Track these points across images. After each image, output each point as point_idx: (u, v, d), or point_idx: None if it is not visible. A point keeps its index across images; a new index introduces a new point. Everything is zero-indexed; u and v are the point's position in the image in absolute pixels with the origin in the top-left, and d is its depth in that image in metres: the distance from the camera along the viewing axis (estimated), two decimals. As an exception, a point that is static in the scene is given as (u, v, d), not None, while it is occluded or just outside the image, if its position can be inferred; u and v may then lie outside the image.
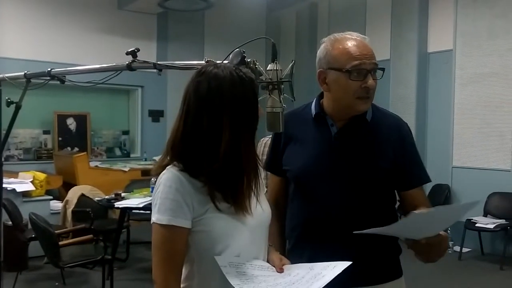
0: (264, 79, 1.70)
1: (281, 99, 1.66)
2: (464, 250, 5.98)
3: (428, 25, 6.93)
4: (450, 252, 6.15)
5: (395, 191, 1.75)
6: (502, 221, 5.69)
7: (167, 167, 1.38)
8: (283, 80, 1.68)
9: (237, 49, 1.74)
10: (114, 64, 2.22)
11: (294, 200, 1.77)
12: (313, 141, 1.72)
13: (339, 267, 1.38)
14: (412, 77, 6.97)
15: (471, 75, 6.36)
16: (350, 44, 1.65)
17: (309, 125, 1.75)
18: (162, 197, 1.34)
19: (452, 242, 6.19)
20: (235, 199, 1.38)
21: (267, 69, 1.70)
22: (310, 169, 1.69)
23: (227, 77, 1.40)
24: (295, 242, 1.76)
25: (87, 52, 7.32)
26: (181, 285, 1.40)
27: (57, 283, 4.70)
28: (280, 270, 1.43)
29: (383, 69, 1.68)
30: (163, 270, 1.35)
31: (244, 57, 1.71)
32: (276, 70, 1.67)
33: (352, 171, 1.64)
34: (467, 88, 6.41)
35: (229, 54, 1.79)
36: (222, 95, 1.37)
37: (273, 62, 1.70)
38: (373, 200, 1.64)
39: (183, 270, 1.40)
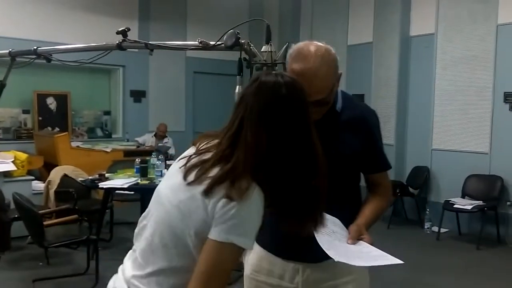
0: (258, 61, 1.72)
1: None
2: (442, 230, 6.13)
3: (411, 8, 6.99)
4: (428, 232, 6.30)
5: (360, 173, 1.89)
6: (479, 203, 5.83)
7: (253, 187, 1.26)
8: (277, 62, 1.71)
9: (231, 30, 1.75)
10: (104, 43, 2.20)
11: None
12: None
13: (391, 260, 1.51)
14: (394, 60, 7.04)
15: (452, 59, 6.45)
16: (294, 66, 1.62)
17: None
18: (250, 221, 1.26)
19: (430, 223, 6.35)
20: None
21: (262, 50, 1.73)
22: None
23: (297, 84, 1.34)
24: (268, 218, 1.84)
25: (68, 31, 7.21)
26: None
27: (41, 263, 4.69)
28: (351, 242, 1.56)
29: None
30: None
31: (239, 38, 1.72)
32: (271, 51, 1.69)
33: None
34: (448, 71, 6.51)
35: (223, 35, 1.81)
36: (303, 104, 1.32)
37: (268, 43, 1.72)
38: (338, 181, 1.69)
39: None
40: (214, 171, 1.28)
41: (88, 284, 4.11)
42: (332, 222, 1.64)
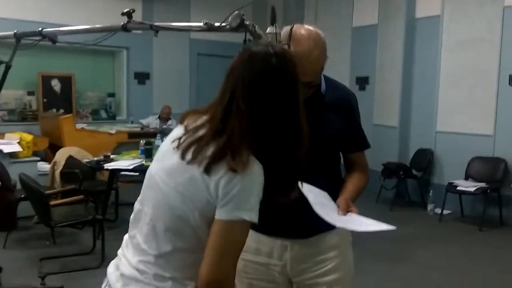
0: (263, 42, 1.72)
1: (280, 61, 1.69)
2: (445, 212, 6.16)
3: (417, -10, 6.93)
4: (431, 214, 6.34)
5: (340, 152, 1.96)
6: (482, 185, 5.84)
7: (253, 159, 1.26)
8: (282, 43, 1.71)
9: (236, 12, 1.75)
10: (109, 24, 2.21)
11: None
12: None
13: (385, 226, 1.59)
14: (399, 43, 7.00)
15: (458, 41, 6.40)
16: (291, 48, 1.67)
17: None
18: (255, 194, 1.25)
19: (433, 205, 6.38)
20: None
21: (267, 32, 1.72)
22: None
23: (287, 54, 1.35)
24: None
25: (71, 12, 7.20)
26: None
27: (47, 242, 4.76)
28: (342, 213, 1.66)
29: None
30: (232, 266, 1.27)
31: (244, 20, 1.72)
32: (276, 33, 1.69)
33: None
34: (454, 54, 6.47)
35: (228, 16, 1.80)
36: (292, 75, 1.33)
37: (272, 25, 1.72)
38: (322, 160, 1.82)
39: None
40: (211, 149, 1.26)
41: (94, 263, 4.17)
42: (323, 196, 1.73)
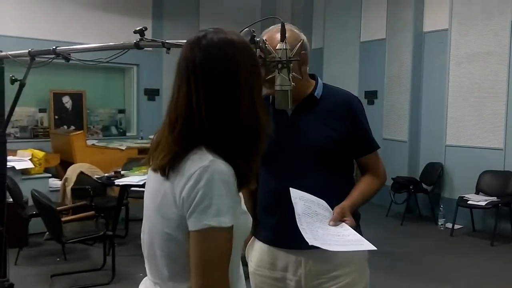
0: (273, 58, 1.75)
1: (290, 77, 1.72)
2: (456, 226, 6.11)
3: (424, 4, 6.97)
4: (442, 228, 6.29)
5: (353, 159, 1.96)
6: (494, 199, 5.80)
7: (209, 159, 1.16)
8: (292, 59, 1.74)
9: (247, 29, 1.78)
10: (122, 42, 2.24)
11: (263, 176, 1.95)
12: (273, 124, 1.85)
13: (366, 246, 1.57)
14: (407, 57, 7.02)
15: (466, 55, 6.41)
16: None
17: (270, 112, 1.89)
18: (221, 195, 1.14)
19: (444, 219, 6.33)
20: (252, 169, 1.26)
21: (276, 48, 1.75)
22: (273, 147, 1.85)
23: (234, 37, 1.28)
24: (264, 211, 1.94)
25: (83, 30, 7.31)
26: None
27: (58, 259, 4.77)
28: (333, 223, 1.65)
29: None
30: (220, 276, 1.17)
31: (254, 36, 1.75)
32: (286, 49, 1.72)
33: (306, 142, 1.86)
34: (462, 67, 6.47)
35: (239, 33, 1.83)
36: (235, 58, 1.25)
37: (282, 41, 1.75)
38: (330, 168, 1.85)
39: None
40: (164, 151, 1.21)
41: (104, 279, 4.17)
42: (316, 204, 1.73)
